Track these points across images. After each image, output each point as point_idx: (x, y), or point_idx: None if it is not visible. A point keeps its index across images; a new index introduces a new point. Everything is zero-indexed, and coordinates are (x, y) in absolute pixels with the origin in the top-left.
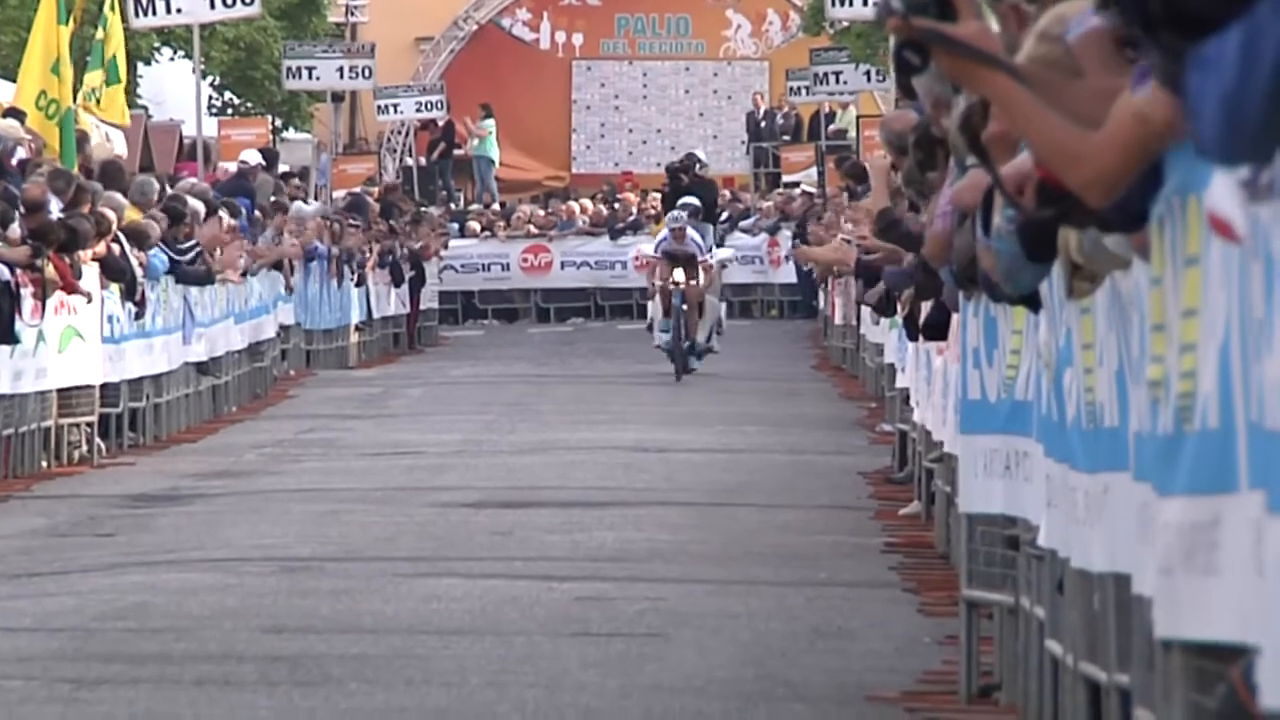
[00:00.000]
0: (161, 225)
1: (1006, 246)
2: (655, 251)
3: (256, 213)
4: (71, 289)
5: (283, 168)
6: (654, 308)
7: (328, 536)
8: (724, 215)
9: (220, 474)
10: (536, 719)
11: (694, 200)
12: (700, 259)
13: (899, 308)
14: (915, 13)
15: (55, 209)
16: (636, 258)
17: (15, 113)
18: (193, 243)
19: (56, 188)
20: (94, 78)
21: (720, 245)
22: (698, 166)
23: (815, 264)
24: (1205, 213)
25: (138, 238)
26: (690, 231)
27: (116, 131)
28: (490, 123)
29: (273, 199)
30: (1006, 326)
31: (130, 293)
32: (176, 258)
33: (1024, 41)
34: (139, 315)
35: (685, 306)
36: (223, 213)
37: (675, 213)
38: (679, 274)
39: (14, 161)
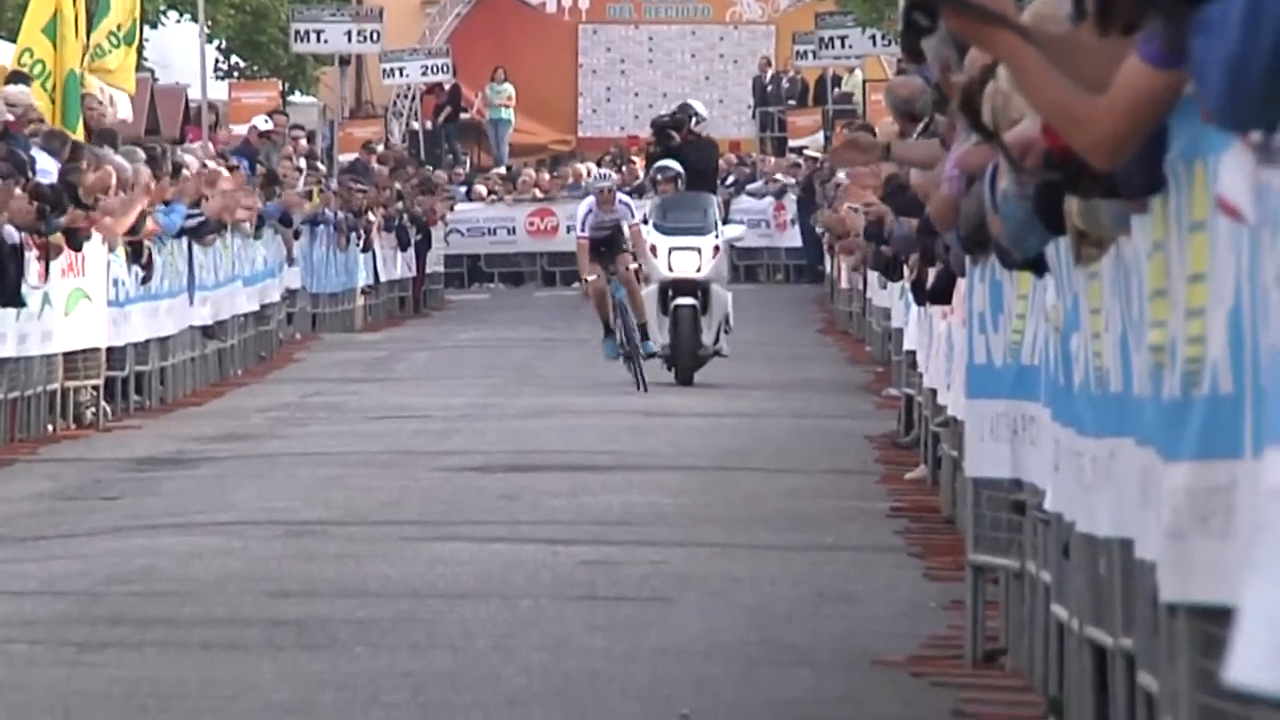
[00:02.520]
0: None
1: (1012, 211)
2: (582, 228)
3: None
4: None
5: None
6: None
7: (333, 500)
8: (730, 179)
9: (226, 437)
10: (542, 682)
11: (674, 165)
12: (630, 223)
13: (905, 272)
14: None
15: (53, 169)
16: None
17: (21, 77)
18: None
19: (51, 148)
20: (98, 34)
21: (725, 219)
22: (693, 121)
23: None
24: (1214, 197)
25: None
26: (622, 199)
27: (122, 95)
28: (508, 86)
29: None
30: (1012, 291)
31: (137, 256)
32: (185, 222)
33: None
34: (146, 279)
35: (625, 295)
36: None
37: (601, 170)
38: (623, 261)
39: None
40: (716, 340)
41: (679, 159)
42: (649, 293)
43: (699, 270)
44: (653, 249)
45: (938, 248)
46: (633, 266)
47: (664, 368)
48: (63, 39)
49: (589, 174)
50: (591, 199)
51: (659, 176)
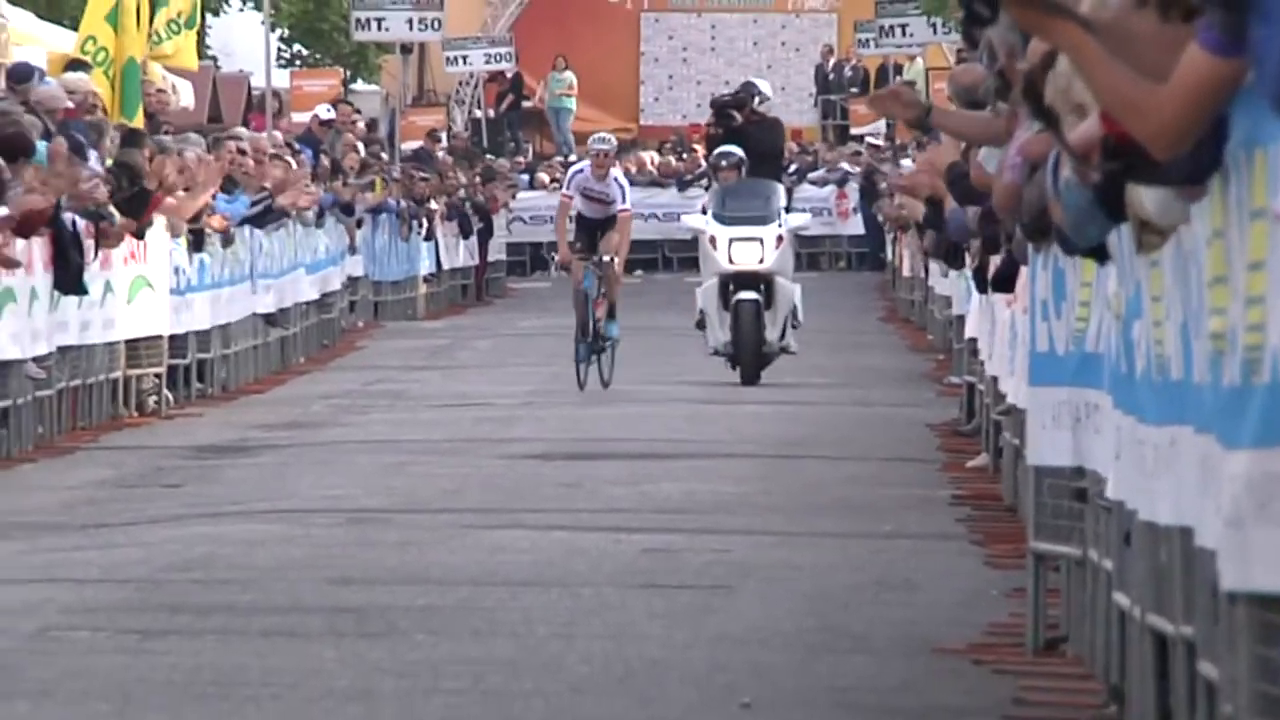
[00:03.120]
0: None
1: (1074, 199)
2: (568, 186)
3: (323, 163)
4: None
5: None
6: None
7: (395, 488)
8: (792, 167)
9: (288, 425)
10: (603, 670)
11: (736, 150)
12: (620, 209)
13: (968, 260)
14: None
15: (93, 160)
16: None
17: (80, 64)
18: (263, 194)
19: (89, 139)
20: (158, 20)
21: (790, 208)
22: (756, 100)
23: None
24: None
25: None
26: (615, 171)
27: (184, 83)
28: (569, 75)
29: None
30: (1075, 278)
31: (199, 244)
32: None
33: None
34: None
35: (598, 287)
36: (289, 158)
37: (601, 133)
38: (606, 244)
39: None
40: (783, 336)
41: (741, 141)
42: (708, 287)
43: (761, 262)
44: (712, 240)
45: (1001, 235)
46: (619, 258)
47: (727, 366)
48: (124, 27)
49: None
50: (586, 162)
51: (721, 163)
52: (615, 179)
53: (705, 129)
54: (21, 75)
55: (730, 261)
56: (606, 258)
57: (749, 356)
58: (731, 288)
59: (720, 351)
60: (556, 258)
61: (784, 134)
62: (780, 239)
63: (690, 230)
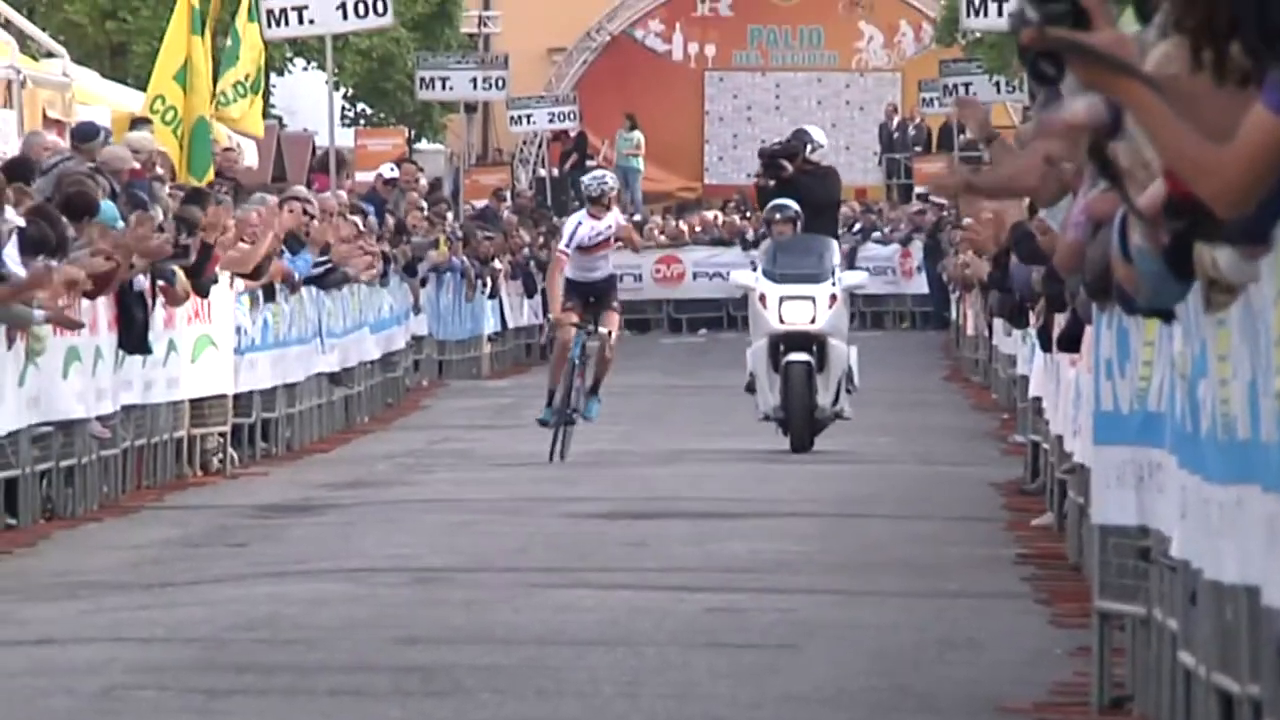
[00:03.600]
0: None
1: (1148, 265)
2: (568, 243)
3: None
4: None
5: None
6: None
7: (460, 547)
8: (857, 226)
9: (353, 484)
10: None
11: (792, 204)
12: (618, 228)
13: (1032, 319)
14: (1051, 23)
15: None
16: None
17: (143, 122)
18: (325, 258)
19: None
20: (224, 81)
21: (850, 266)
22: (809, 149)
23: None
24: None
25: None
26: (615, 213)
27: (248, 141)
28: (637, 134)
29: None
30: (1138, 337)
31: (270, 295)
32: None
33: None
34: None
35: (583, 354)
36: (355, 218)
37: (598, 173)
38: (608, 321)
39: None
40: (836, 401)
41: (793, 192)
42: (758, 348)
43: (813, 321)
44: (762, 298)
45: (1066, 295)
46: (615, 334)
47: (778, 431)
48: (193, 87)
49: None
50: (583, 211)
51: (776, 216)
52: (616, 222)
53: (755, 181)
54: (87, 134)
55: (781, 321)
56: (605, 330)
57: (799, 421)
58: (782, 349)
59: (770, 416)
60: (557, 318)
61: (839, 184)
62: (834, 298)
63: (740, 288)
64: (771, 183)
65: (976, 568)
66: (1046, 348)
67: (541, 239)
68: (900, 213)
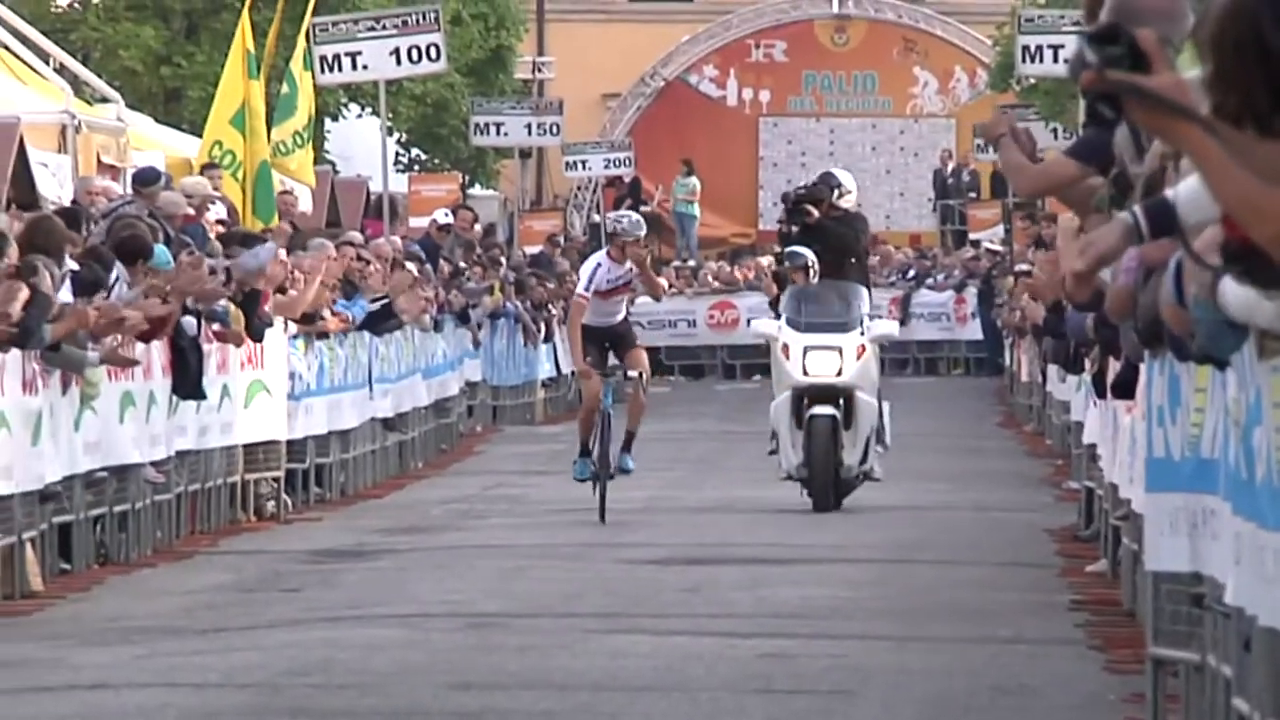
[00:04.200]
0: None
1: (1205, 314)
2: (587, 288)
3: (441, 267)
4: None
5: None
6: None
7: (514, 592)
8: (911, 273)
9: (407, 530)
10: None
11: (804, 252)
12: (627, 323)
13: (1086, 365)
14: (1110, 65)
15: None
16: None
17: (211, 167)
18: (381, 294)
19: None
20: (282, 131)
21: (905, 312)
22: (835, 194)
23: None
24: None
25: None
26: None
27: (302, 188)
28: (693, 180)
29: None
30: (1190, 384)
31: (323, 338)
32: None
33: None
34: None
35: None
36: (410, 265)
37: (624, 212)
38: (634, 360)
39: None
40: (864, 459)
41: (819, 239)
42: (780, 402)
43: (839, 374)
44: (785, 349)
45: (1121, 341)
46: (647, 375)
47: (800, 492)
48: (253, 130)
49: (770, 266)
50: (601, 253)
51: (787, 264)
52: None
53: (778, 227)
54: (147, 179)
55: (805, 373)
56: (633, 373)
57: (822, 480)
58: (806, 402)
59: (793, 476)
60: (580, 369)
61: (866, 230)
62: (862, 349)
63: (761, 336)
64: (794, 228)
65: (1030, 614)
66: (1101, 394)
67: None
68: (954, 259)
